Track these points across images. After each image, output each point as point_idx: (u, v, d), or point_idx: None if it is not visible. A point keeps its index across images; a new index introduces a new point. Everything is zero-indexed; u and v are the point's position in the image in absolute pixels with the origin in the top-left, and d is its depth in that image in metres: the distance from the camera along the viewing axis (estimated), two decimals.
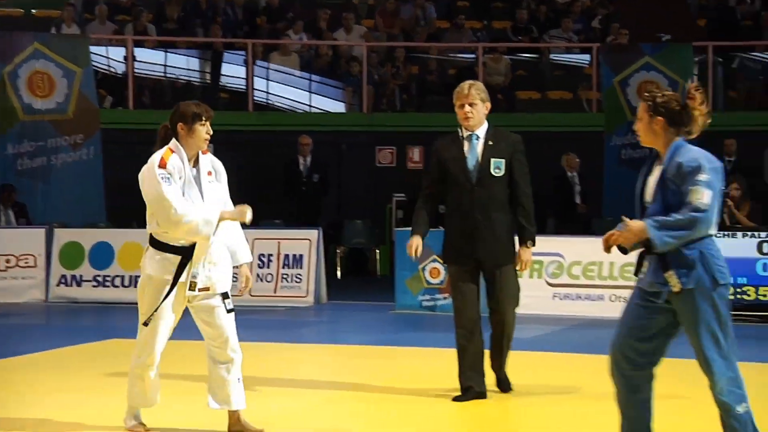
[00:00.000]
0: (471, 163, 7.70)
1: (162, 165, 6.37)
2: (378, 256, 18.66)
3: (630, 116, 17.15)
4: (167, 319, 6.59)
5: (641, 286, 5.65)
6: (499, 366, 8.04)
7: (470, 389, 7.69)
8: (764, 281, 12.44)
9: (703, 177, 5.34)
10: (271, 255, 14.27)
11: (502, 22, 21.20)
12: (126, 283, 14.52)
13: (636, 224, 5.55)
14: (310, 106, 20.05)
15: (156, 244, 6.59)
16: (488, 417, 7.58)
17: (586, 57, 20.00)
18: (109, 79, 19.23)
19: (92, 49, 17.84)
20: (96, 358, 10.12)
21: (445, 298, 13.34)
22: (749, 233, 12.67)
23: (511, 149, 7.77)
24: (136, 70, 18.87)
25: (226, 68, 19.93)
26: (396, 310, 13.49)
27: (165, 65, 19.92)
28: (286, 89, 19.98)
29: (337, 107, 20.18)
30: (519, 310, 12.86)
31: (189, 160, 6.43)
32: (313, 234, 14.50)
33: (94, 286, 14.56)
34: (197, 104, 6.52)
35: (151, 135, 20.27)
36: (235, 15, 20.56)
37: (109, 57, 19.37)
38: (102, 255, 14.68)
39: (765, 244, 12.44)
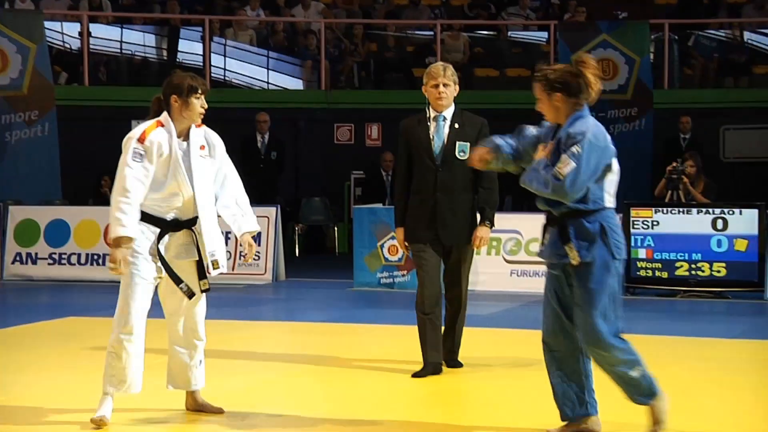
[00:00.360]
0: (437, 144, 7.75)
1: (141, 139, 6.06)
2: (336, 234, 18.68)
3: None
4: (142, 285, 6.13)
5: (543, 259, 5.87)
6: (452, 343, 8.06)
7: (430, 364, 7.74)
8: (718, 257, 12.55)
9: (575, 149, 5.48)
10: (228, 232, 14.17)
11: None
12: (82, 261, 14.44)
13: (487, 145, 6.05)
14: (267, 83, 20.00)
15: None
16: (446, 392, 7.62)
17: (544, 34, 20.06)
18: (64, 55, 19.09)
19: (47, 24, 17.70)
20: (52, 336, 10.09)
21: (403, 276, 13.39)
22: (704, 210, 12.77)
23: (476, 132, 7.75)
24: (91, 46, 18.73)
25: (182, 44, 19.82)
26: (354, 287, 13.52)
27: (121, 41, 19.78)
28: (243, 66, 19.92)
29: (295, 84, 20.15)
30: (477, 287, 13.01)
31: (179, 135, 6.20)
32: (272, 211, 14.46)
33: (49, 264, 14.48)
34: (193, 77, 6.36)
35: (106, 111, 20.39)
36: None
37: (64, 33, 19.22)
38: (58, 233, 14.59)
39: (719, 221, 12.55)
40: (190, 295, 6.22)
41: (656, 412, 5.74)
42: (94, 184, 17.57)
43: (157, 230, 6.14)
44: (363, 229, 13.78)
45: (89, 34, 18.61)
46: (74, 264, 14.48)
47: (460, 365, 8.05)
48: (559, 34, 18.16)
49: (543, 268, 12.96)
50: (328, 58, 19.18)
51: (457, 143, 7.72)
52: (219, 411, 6.49)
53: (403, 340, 9.94)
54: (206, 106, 6.28)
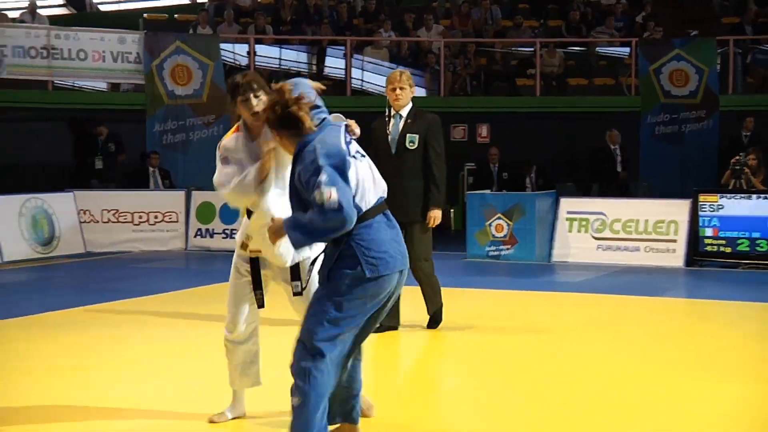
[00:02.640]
0: (392, 136, 7.62)
1: (220, 147, 5.06)
2: (452, 215, 18.64)
3: (662, 99, 16.94)
4: (235, 285, 5.22)
5: None
6: (431, 306, 7.97)
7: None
8: None
9: (323, 177, 4.11)
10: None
11: (556, 21, 20.93)
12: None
13: (277, 222, 4.34)
14: None
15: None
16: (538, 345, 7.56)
17: (626, 49, 19.65)
18: (235, 70, 19.36)
19: (222, 46, 17.98)
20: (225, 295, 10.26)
21: (507, 249, 13.32)
22: (763, 195, 12.48)
23: (425, 126, 7.61)
24: (256, 63, 18.98)
25: (329, 60, 19.98)
26: (467, 258, 13.50)
27: (280, 59, 20.03)
28: (377, 77, 20.00)
29: (419, 92, 20.12)
30: (568, 259, 12.87)
31: (254, 137, 4.97)
32: None
33: (223, 238, 14.74)
34: (243, 75, 5.01)
35: None
36: (338, 16, 20.59)
37: (235, 52, 19.50)
38: (229, 212, 14.86)
39: None
40: (260, 304, 5.11)
41: None
42: None
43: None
44: (474, 211, 13.74)
45: (255, 53, 18.88)
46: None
47: (435, 326, 7.95)
48: (639, 49, 17.76)
49: (625, 243, 12.80)
50: (446, 70, 19.17)
51: (408, 135, 7.57)
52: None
53: (506, 303, 9.94)
54: (256, 105, 4.89)
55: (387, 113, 7.70)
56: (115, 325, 8.34)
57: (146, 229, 14.65)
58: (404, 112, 7.64)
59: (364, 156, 4.40)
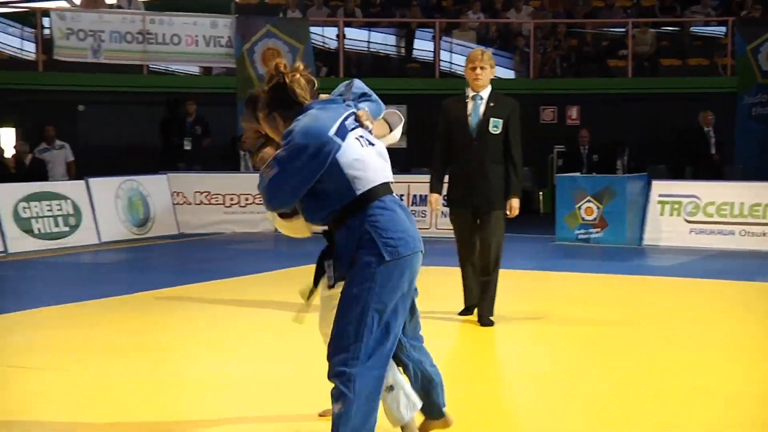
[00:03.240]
0: (473, 120, 7.21)
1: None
2: (541, 197, 18.47)
3: (760, 79, 16.48)
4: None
5: None
6: (486, 303, 7.35)
7: (469, 308, 7.56)
8: None
9: (280, 152, 3.82)
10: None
11: (649, 0, 20.51)
12: None
13: None
14: None
15: None
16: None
17: (722, 29, 19.18)
18: (324, 54, 19.49)
19: (311, 29, 18.08)
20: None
21: (597, 232, 13.15)
22: None
23: (508, 111, 7.25)
24: (345, 46, 19.05)
25: (417, 43, 19.95)
26: (556, 241, 13.36)
27: (368, 41, 20.06)
28: (465, 59, 19.85)
29: (508, 74, 19.96)
30: (660, 243, 12.65)
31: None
32: None
33: None
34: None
35: None
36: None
37: (324, 35, 19.61)
38: None
39: None
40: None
41: None
42: None
43: None
44: (564, 194, 13.58)
45: (344, 36, 18.94)
46: None
47: (490, 324, 7.31)
48: (736, 28, 17.32)
49: (719, 226, 12.55)
50: (536, 52, 18.94)
51: (491, 119, 7.19)
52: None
53: (595, 287, 9.81)
54: None
55: (465, 93, 7.32)
56: (210, 304, 8.48)
57: (237, 211, 14.85)
58: (484, 93, 7.27)
59: (372, 144, 3.93)
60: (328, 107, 3.93)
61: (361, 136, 3.89)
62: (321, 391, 4.85)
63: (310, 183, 3.78)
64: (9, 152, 14.96)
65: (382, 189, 3.85)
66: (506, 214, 7.30)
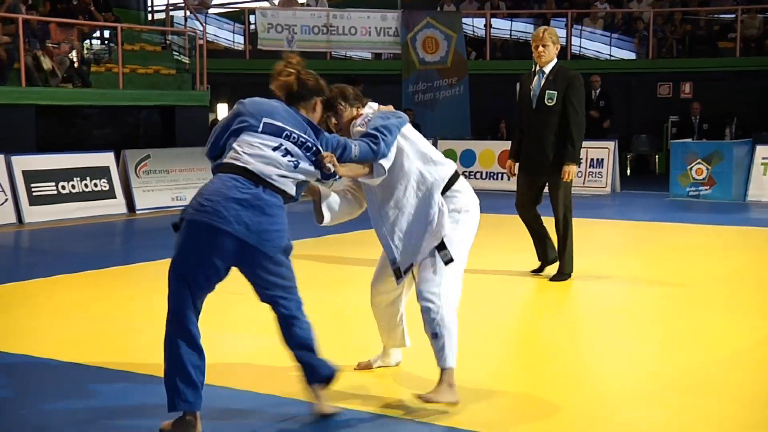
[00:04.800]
0: (534, 93, 6.51)
1: None
2: (657, 160, 17.86)
3: None
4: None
5: None
6: (563, 258, 6.67)
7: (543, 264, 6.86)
8: None
9: None
10: (581, 159, 13.97)
11: None
12: (484, 177, 14.69)
13: None
14: (609, 55, 19.31)
15: None
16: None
17: None
18: (474, 41, 19.27)
19: (464, 20, 17.91)
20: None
21: (706, 189, 12.62)
22: None
23: (565, 84, 6.44)
24: (492, 34, 18.77)
25: None
26: (669, 197, 12.90)
27: (510, 30, 19.70)
28: (593, 44, 19.31)
29: (629, 55, 19.29)
30: (764, 199, 12.05)
31: None
32: (611, 144, 14.06)
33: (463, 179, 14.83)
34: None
35: (500, 77, 20.25)
36: None
37: (474, 25, 19.37)
38: (468, 158, 14.91)
39: None
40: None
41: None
42: (491, 125, 17.75)
43: None
44: (677, 157, 13.06)
45: (491, 25, 18.65)
46: (479, 179, 14.76)
47: (562, 279, 6.61)
48: None
49: None
50: (654, 36, 18.19)
51: (547, 92, 6.44)
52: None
53: (702, 236, 9.44)
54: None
55: (532, 69, 6.63)
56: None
57: None
58: (547, 68, 6.50)
59: (289, 155, 3.50)
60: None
61: (287, 151, 3.47)
62: (359, 343, 4.65)
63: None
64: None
65: (234, 168, 3.42)
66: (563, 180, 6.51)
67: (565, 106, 6.46)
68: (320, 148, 3.50)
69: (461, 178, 3.95)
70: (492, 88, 17.47)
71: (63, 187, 10.79)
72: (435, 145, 15.04)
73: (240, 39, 19.10)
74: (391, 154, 3.68)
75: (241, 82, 17.19)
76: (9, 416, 3.64)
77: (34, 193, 10.44)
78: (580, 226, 9.81)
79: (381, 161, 3.64)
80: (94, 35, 14.71)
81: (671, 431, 3.51)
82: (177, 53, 15.90)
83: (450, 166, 3.87)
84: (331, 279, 6.76)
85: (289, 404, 3.75)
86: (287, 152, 3.46)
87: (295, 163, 3.47)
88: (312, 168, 3.50)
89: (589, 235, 9.27)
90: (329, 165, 3.48)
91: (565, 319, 5.51)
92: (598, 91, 16.02)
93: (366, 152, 3.58)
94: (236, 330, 5.15)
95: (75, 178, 10.95)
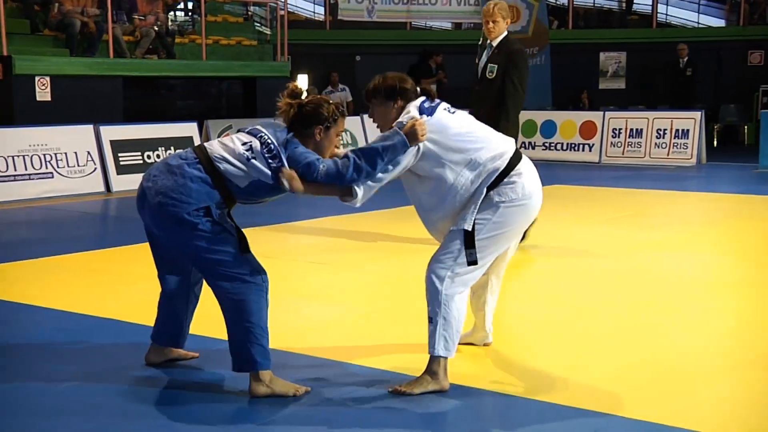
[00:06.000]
0: (480, 66, 6.49)
1: None
2: (746, 131, 17.25)
3: None
4: None
5: None
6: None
7: None
8: None
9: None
10: (665, 129, 13.63)
11: None
12: (564, 148, 14.48)
13: None
14: (697, 23, 18.69)
15: None
16: None
17: None
18: (557, 9, 18.91)
19: None
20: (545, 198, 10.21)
21: None
22: None
23: (505, 58, 6.37)
24: (574, 2, 18.38)
25: None
26: (758, 169, 12.48)
27: (594, 1, 19.28)
28: (680, 11, 18.72)
29: (718, 23, 18.64)
30: None
31: None
32: (698, 115, 13.63)
33: (542, 150, 14.66)
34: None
35: (580, 45, 19.83)
36: None
37: None
38: (549, 128, 14.70)
39: None
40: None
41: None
42: (573, 96, 17.42)
43: None
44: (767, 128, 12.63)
45: None
46: (559, 150, 14.55)
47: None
48: None
49: None
50: (745, 1, 17.50)
51: (489, 65, 6.40)
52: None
53: None
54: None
55: (481, 42, 6.59)
56: None
57: None
58: (495, 42, 6.45)
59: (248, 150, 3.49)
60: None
61: (250, 146, 3.46)
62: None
63: None
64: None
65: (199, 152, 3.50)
66: None
67: (504, 80, 6.37)
68: (284, 161, 3.41)
69: (522, 161, 3.68)
70: (574, 58, 17.15)
71: (148, 157, 11.08)
72: None
73: (320, 10, 19.18)
74: (374, 182, 3.49)
75: (321, 53, 17.29)
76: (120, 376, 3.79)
77: (121, 162, 10.78)
78: (661, 198, 9.62)
79: (356, 187, 3.46)
80: (179, 7, 14.98)
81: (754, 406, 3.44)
82: (258, 24, 16.08)
83: (503, 156, 3.60)
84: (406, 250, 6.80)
85: (359, 372, 3.81)
86: (250, 148, 3.44)
87: (249, 157, 3.42)
88: (266, 170, 3.40)
89: (671, 207, 9.06)
90: (284, 181, 3.38)
91: (643, 292, 5.42)
92: (685, 59, 15.55)
93: (332, 174, 3.41)
94: (311, 298, 5.24)
95: (160, 148, 11.23)
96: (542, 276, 5.95)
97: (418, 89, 3.71)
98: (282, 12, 14.95)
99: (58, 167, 10.22)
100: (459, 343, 3.68)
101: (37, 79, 11.12)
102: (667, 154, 13.46)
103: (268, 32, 15.68)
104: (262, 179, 3.42)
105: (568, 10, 18.10)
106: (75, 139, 10.42)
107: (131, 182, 10.49)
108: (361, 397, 3.48)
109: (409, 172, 3.55)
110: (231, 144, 3.49)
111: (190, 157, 3.47)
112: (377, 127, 3.71)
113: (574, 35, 17.88)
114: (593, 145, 14.15)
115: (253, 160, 3.42)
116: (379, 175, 3.48)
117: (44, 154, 10.13)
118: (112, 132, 10.82)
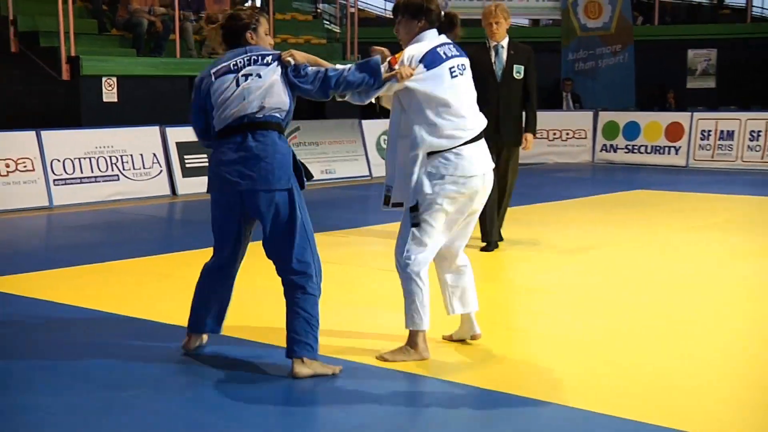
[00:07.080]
0: (498, 66, 6.98)
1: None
2: None
3: None
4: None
5: None
6: (500, 223, 7.21)
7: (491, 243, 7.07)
8: None
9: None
10: (759, 131, 13.28)
11: None
12: (649, 150, 14.24)
13: None
14: None
15: None
16: None
17: None
18: (642, 4, 18.60)
19: None
20: (626, 203, 10.07)
21: None
22: None
23: (526, 58, 7.03)
24: None
25: None
26: None
27: None
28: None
29: None
30: None
31: None
32: None
33: (625, 152, 14.45)
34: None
35: (667, 43, 19.55)
36: None
37: None
38: (632, 130, 14.48)
39: None
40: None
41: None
42: (658, 96, 17.10)
43: None
44: None
45: None
46: (643, 153, 14.32)
47: (496, 247, 7.06)
48: None
49: None
50: None
51: (514, 66, 6.98)
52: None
53: None
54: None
55: (486, 44, 7.05)
56: (539, 224, 8.53)
57: (559, 144, 14.73)
58: (504, 43, 7.03)
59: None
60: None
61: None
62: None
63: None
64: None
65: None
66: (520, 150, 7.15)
67: (527, 79, 7.03)
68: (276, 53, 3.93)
69: (477, 142, 4.17)
70: (659, 55, 16.84)
71: None
72: (595, 117, 14.68)
73: (391, 6, 19.28)
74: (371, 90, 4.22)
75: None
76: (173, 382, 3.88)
77: (187, 165, 10.98)
78: (755, 204, 9.33)
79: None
80: (246, 5, 15.25)
81: None
82: (328, 22, 16.25)
83: (456, 136, 4.06)
84: None
85: (405, 378, 3.83)
86: (250, 73, 3.90)
87: (257, 74, 3.89)
88: (273, 70, 3.89)
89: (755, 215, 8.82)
90: (288, 59, 3.89)
91: (691, 294, 5.30)
92: None
93: (318, 71, 4.03)
94: (377, 305, 5.26)
95: None
96: (609, 283, 5.87)
97: (443, 13, 4.23)
98: (352, 9, 15.08)
99: (123, 169, 10.48)
100: (456, 341, 4.33)
101: (104, 79, 11.33)
102: (761, 158, 13.11)
103: (338, 30, 15.83)
104: (280, 80, 3.87)
105: (654, 5, 17.79)
106: (141, 141, 10.65)
107: (197, 185, 10.57)
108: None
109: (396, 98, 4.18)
110: (244, 97, 3.86)
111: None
112: (399, 41, 4.26)
113: (661, 31, 17.56)
114: (680, 147, 13.89)
115: (263, 73, 3.86)
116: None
117: (110, 156, 10.39)
118: (179, 133, 10.95)
